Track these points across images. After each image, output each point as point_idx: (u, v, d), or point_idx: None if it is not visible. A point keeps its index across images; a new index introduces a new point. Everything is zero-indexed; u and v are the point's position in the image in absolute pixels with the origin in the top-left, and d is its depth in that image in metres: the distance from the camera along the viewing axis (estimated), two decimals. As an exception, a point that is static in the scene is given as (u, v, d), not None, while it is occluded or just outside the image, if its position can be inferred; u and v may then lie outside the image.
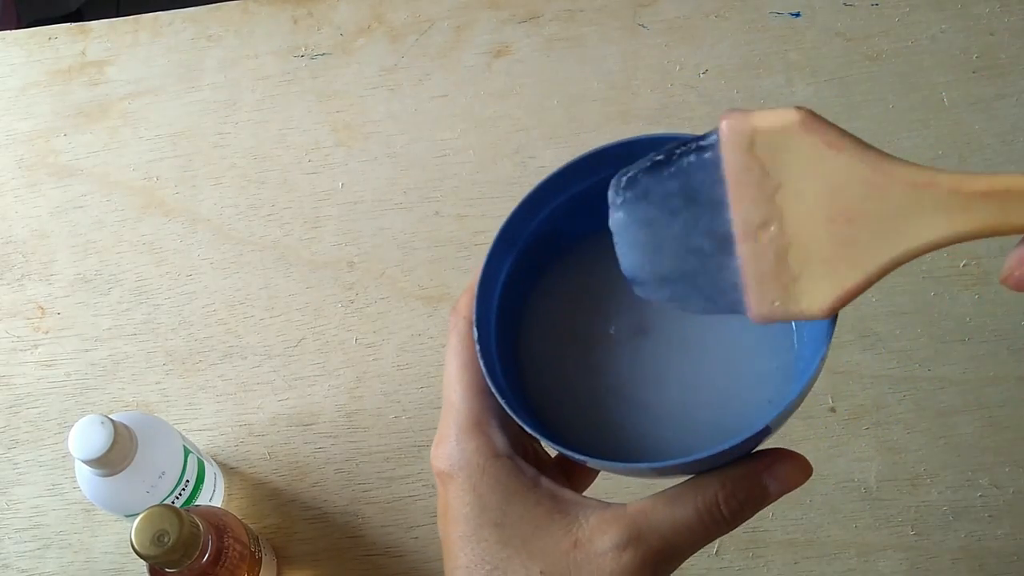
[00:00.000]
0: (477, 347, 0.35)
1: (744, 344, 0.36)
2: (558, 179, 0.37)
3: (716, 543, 0.59)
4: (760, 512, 0.36)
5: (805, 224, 0.30)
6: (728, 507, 0.33)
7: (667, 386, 0.37)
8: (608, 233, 0.33)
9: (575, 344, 0.39)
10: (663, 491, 0.34)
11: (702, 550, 0.43)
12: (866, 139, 0.40)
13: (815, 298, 0.30)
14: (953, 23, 0.73)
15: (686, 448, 0.35)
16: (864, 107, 0.70)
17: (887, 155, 0.29)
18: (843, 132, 0.29)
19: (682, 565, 0.37)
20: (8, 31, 0.77)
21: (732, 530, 0.34)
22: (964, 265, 0.65)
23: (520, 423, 0.34)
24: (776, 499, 0.34)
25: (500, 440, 0.36)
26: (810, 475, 0.34)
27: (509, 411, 0.34)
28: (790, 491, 0.34)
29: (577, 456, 0.34)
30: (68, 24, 0.76)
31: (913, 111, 0.70)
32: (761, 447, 0.34)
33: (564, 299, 0.39)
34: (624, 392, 0.38)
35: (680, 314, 0.36)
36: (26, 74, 0.74)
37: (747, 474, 0.34)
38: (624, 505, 0.34)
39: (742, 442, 0.31)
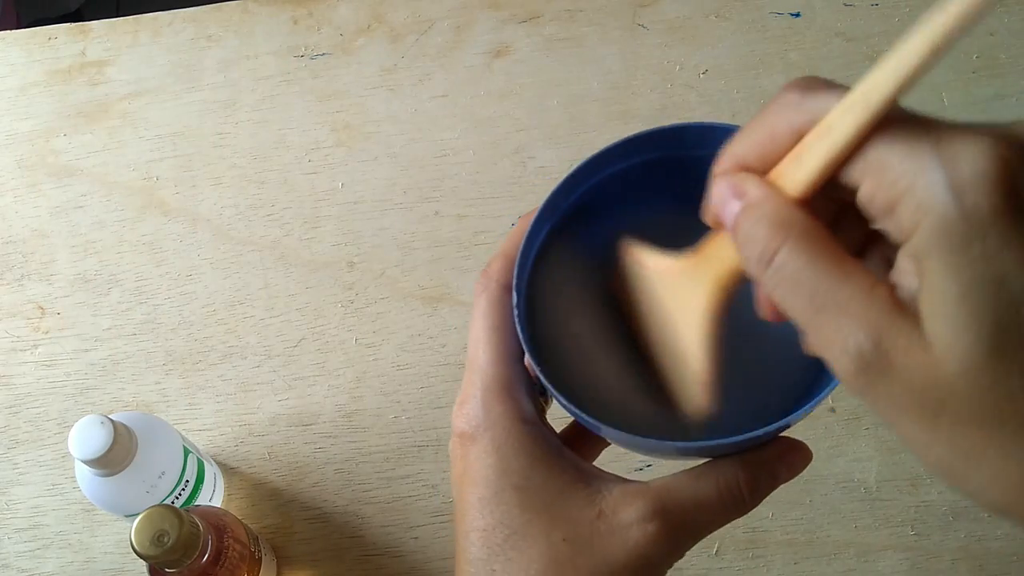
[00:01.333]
0: (515, 313, 0.35)
1: (776, 335, 0.35)
2: (599, 159, 0.37)
3: (716, 543, 0.59)
4: (760, 512, 0.38)
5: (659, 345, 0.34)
6: (748, 488, 0.34)
7: None
8: (639, 214, 0.36)
9: (598, 318, 0.39)
10: (685, 470, 0.34)
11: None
12: None
13: (691, 403, 0.34)
14: (953, 23, 0.73)
15: (705, 429, 0.35)
16: (864, 107, 0.70)
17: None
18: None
19: (682, 565, 0.38)
20: (8, 31, 0.77)
21: (747, 512, 0.35)
22: (964, 265, 0.65)
23: (554, 393, 0.34)
24: (783, 483, 0.35)
25: (528, 405, 0.36)
26: (810, 461, 0.36)
27: (544, 378, 0.34)
28: (795, 477, 0.35)
29: (611, 430, 0.34)
30: (68, 24, 0.76)
31: (913, 111, 0.70)
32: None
33: (593, 274, 0.39)
34: (644, 369, 0.38)
35: None
36: (26, 74, 0.74)
37: (764, 460, 0.34)
38: (645, 482, 0.34)
39: (771, 431, 0.32)
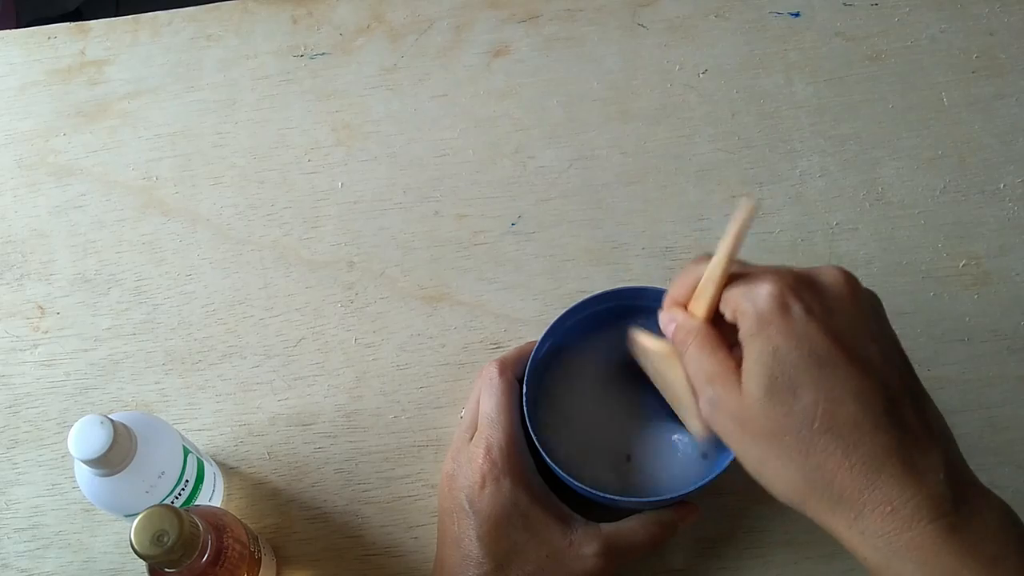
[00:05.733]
0: (524, 399, 0.56)
1: (685, 438, 0.57)
2: (580, 306, 0.57)
3: (715, 543, 0.59)
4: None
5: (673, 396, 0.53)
6: (664, 538, 0.55)
7: (634, 453, 0.58)
8: (606, 344, 0.58)
9: (575, 408, 0.58)
10: (621, 522, 0.55)
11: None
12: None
13: (695, 430, 0.51)
14: (953, 23, 0.73)
15: (635, 493, 0.56)
16: (864, 107, 0.70)
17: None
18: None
19: (685, 566, 0.58)
20: (7, 30, 0.77)
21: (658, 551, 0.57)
22: (964, 265, 0.65)
23: (545, 457, 0.54)
24: (681, 530, 0.56)
25: (530, 460, 0.56)
26: (701, 517, 0.56)
27: (539, 445, 0.54)
28: (688, 525, 0.56)
29: (578, 484, 0.53)
30: (67, 23, 0.76)
31: (913, 111, 0.70)
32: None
33: (573, 378, 0.59)
34: (604, 444, 0.58)
35: (653, 422, 0.58)
36: (25, 74, 0.74)
37: (672, 520, 0.55)
38: (599, 525, 0.54)
39: (676, 498, 0.54)
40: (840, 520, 0.41)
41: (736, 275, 0.45)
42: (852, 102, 0.70)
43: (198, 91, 0.73)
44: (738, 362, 0.43)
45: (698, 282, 0.47)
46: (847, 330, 0.42)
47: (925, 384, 0.62)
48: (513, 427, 0.55)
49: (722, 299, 0.45)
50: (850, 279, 0.44)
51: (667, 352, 0.50)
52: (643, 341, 0.53)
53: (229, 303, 0.67)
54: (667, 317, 0.48)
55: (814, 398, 0.40)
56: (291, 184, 0.70)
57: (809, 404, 0.40)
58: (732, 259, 0.45)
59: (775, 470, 0.42)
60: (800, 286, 0.43)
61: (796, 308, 0.42)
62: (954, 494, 0.39)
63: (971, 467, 0.43)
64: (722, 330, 0.46)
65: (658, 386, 0.54)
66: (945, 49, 0.72)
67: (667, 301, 0.49)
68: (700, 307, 0.47)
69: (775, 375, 0.41)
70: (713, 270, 0.45)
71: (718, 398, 0.43)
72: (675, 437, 0.57)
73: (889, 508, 0.39)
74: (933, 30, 0.73)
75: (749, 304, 0.43)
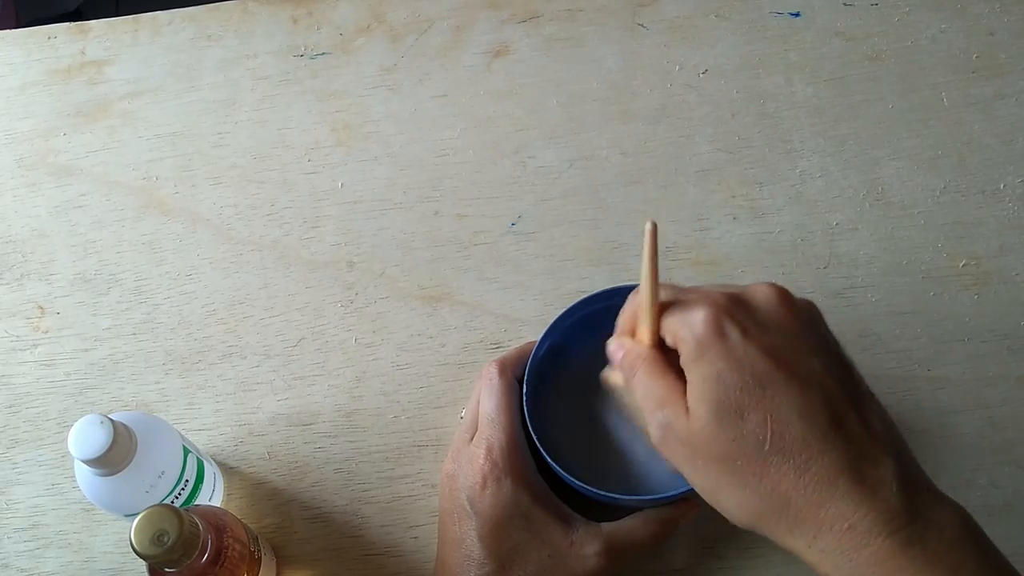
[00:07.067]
0: (524, 399, 0.56)
1: None
2: (581, 304, 0.58)
3: (715, 543, 0.59)
4: None
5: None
6: (663, 536, 0.55)
7: (628, 456, 0.58)
8: (606, 342, 0.51)
9: (573, 406, 0.59)
10: (622, 520, 0.55)
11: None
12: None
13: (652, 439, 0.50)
14: (953, 23, 0.73)
15: (636, 491, 0.56)
16: (864, 107, 0.70)
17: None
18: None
19: (685, 566, 0.58)
20: (7, 30, 0.77)
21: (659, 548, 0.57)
22: (964, 265, 0.65)
23: (547, 457, 0.54)
24: (682, 526, 0.56)
25: (531, 460, 0.55)
26: (697, 511, 0.55)
27: (540, 446, 0.54)
28: (688, 521, 0.56)
29: (579, 483, 0.53)
30: (67, 23, 0.76)
31: (913, 111, 0.70)
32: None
33: (570, 376, 0.59)
34: (597, 442, 0.58)
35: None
36: (25, 73, 0.74)
37: (672, 517, 0.55)
38: (599, 524, 0.54)
39: (673, 496, 0.53)
40: (800, 540, 0.41)
41: (671, 301, 0.45)
42: (852, 102, 0.70)
43: (198, 91, 0.73)
44: (685, 386, 0.43)
45: (636, 314, 0.47)
46: (785, 347, 0.42)
47: (925, 384, 0.63)
48: (514, 427, 0.55)
49: (661, 326, 0.46)
50: (782, 293, 0.45)
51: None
52: (608, 377, 0.53)
53: (229, 303, 0.67)
54: (615, 344, 0.48)
55: (762, 419, 0.41)
56: (291, 184, 0.70)
57: (757, 426, 0.41)
58: (654, 280, 0.45)
59: (731, 494, 0.42)
60: (733, 307, 0.43)
61: (732, 331, 0.42)
62: (908, 505, 0.39)
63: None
64: (668, 355, 0.46)
65: (628, 417, 0.55)
66: (945, 49, 0.72)
67: (616, 330, 0.49)
68: (644, 333, 0.47)
69: (720, 400, 0.41)
70: (643, 298, 0.46)
71: (668, 422, 0.43)
72: None
73: (846, 525, 0.39)
74: (933, 30, 0.73)
75: (686, 330, 0.43)
